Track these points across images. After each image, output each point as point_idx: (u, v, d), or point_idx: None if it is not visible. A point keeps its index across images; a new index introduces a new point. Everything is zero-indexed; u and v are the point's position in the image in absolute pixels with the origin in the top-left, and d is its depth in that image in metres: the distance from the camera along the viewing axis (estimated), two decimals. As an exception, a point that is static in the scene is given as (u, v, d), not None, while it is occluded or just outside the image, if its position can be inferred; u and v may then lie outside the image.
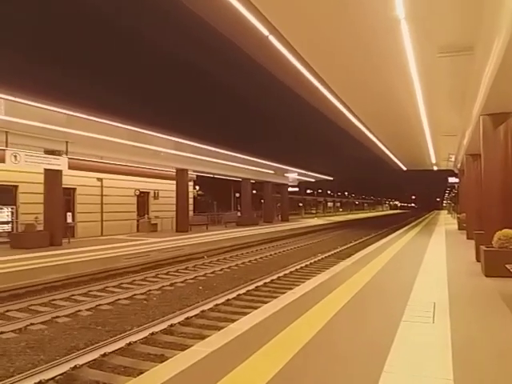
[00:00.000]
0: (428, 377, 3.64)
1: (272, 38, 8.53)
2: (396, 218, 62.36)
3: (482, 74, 8.72)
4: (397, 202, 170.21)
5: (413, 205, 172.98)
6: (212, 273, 12.92)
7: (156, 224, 26.12)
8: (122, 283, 11.37)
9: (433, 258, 11.65)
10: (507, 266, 7.22)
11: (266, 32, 8.25)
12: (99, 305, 8.91)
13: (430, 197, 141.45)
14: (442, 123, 15.93)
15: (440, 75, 10.51)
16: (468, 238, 16.47)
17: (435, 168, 32.92)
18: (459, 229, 22.50)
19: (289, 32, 8.52)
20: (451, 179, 36.64)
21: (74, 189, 21.30)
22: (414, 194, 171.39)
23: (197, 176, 31.07)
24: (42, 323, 7.59)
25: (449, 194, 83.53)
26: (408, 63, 9.45)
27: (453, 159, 25.38)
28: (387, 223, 41.79)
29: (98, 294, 10.19)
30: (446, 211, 77.60)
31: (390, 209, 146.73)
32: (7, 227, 17.91)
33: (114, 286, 11.02)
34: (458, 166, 25.77)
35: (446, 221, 37.24)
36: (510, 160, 9.76)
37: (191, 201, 29.97)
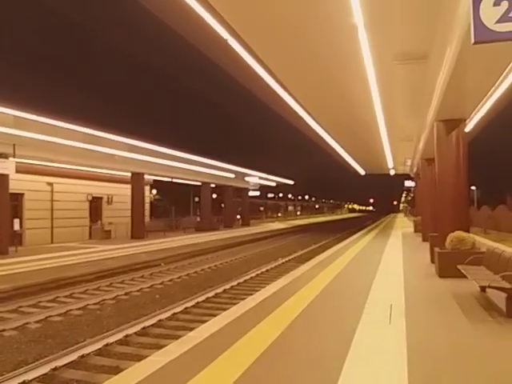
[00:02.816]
0: (384, 381, 3.65)
1: (232, 41, 8.44)
2: (354, 221, 63.80)
3: (435, 82, 9.02)
4: (355, 206, 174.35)
5: (371, 208, 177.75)
6: (170, 281, 12.58)
7: (110, 231, 25.15)
8: (73, 293, 10.84)
9: (390, 260, 11.91)
10: (459, 266, 7.48)
11: (225, 35, 8.16)
12: (49, 316, 8.43)
13: (387, 200, 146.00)
14: (399, 128, 16.40)
15: (397, 82, 10.78)
16: (423, 241, 17.00)
17: (392, 172, 33.89)
18: (415, 231, 23.07)
19: (248, 36, 8.46)
20: (407, 183, 37.99)
21: (22, 194, 20.26)
22: (372, 198, 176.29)
23: (154, 180, 30.37)
24: (-15, 338, 7.08)
25: (405, 197, 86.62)
26: (366, 70, 9.62)
27: (409, 163, 26.20)
28: (346, 226, 42.64)
29: (48, 305, 9.64)
30: (402, 214, 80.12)
31: (349, 212, 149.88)
32: None
33: (65, 296, 10.48)
34: (414, 170, 26.63)
35: (402, 224, 38.40)
36: (462, 164, 10.13)
37: (148, 206, 29.24)
